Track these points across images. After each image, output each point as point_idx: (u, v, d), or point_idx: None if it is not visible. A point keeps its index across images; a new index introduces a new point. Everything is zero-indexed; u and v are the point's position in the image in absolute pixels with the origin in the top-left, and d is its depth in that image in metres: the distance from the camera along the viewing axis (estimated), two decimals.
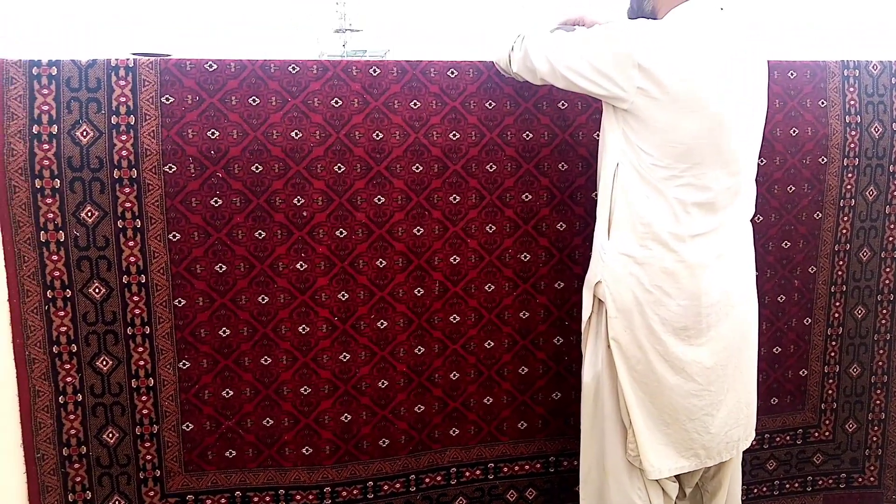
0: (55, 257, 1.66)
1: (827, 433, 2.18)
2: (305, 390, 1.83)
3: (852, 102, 1.99)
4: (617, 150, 1.54)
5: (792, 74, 1.95)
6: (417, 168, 1.79)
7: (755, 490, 2.16)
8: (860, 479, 2.23)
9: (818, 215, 2.03)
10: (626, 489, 1.64)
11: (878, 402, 2.19)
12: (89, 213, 1.66)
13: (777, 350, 2.09)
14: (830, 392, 2.16)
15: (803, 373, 2.13)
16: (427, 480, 1.95)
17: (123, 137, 1.64)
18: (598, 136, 1.75)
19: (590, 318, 1.65)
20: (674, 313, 1.54)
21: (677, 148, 1.46)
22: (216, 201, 1.70)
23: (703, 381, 1.58)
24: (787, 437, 2.15)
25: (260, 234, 1.74)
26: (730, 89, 1.47)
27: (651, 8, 1.59)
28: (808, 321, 2.10)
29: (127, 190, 1.66)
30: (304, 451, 1.85)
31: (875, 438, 2.21)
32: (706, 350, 1.57)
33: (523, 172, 1.85)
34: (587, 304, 1.65)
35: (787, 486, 2.19)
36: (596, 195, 1.68)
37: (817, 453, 2.19)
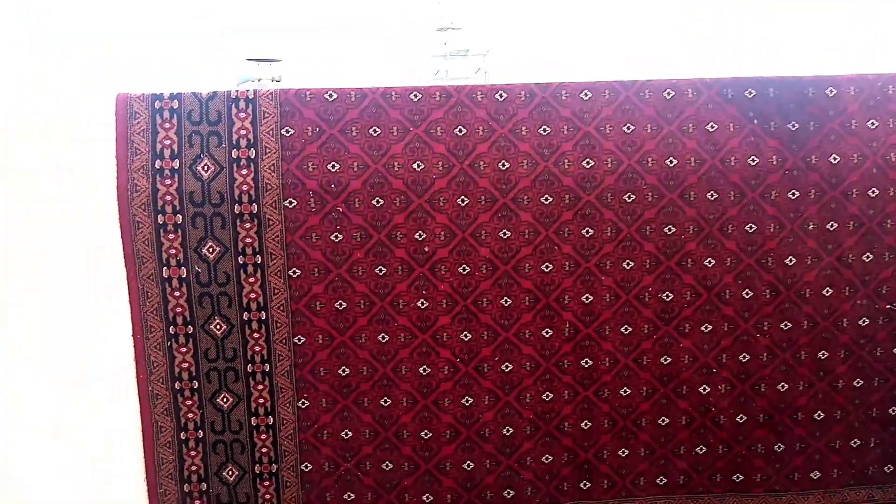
0: (177, 293, 1.63)
1: None
2: (426, 434, 1.72)
3: None
4: None
5: None
6: (546, 200, 1.64)
7: None
8: None
9: None
10: None
11: None
12: (210, 249, 1.62)
13: None
14: None
15: None
16: None
17: (244, 171, 1.59)
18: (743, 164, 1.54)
19: None
20: None
21: None
22: (336, 236, 1.62)
23: None
24: None
25: (380, 271, 1.64)
26: None
27: None
28: None
29: (248, 225, 1.61)
30: (424, 498, 1.75)
31: None
32: None
33: (666, 202, 1.66)
34: None
35: None
36: None
37: None
